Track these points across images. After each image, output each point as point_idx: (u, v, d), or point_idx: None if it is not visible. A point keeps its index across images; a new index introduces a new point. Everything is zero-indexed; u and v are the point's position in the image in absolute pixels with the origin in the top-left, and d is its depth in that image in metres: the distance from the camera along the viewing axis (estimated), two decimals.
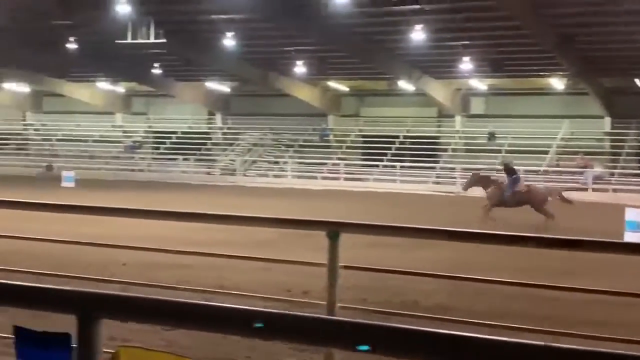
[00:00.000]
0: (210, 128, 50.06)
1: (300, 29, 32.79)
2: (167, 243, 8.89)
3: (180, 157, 45.09)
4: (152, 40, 31.58)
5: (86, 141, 49.87)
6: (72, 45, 35.54)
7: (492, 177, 22.68)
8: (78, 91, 50.29)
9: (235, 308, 1.94)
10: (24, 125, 54.45)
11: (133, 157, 47.15)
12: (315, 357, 6.26)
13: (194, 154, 45.33)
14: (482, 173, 24.56)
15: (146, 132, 50.65)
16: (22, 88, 51.39)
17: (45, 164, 42.67)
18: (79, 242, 6.69)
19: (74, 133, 51.27)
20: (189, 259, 10.45)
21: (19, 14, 30.82)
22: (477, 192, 22.67)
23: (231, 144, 46.53)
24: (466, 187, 23.16)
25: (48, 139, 51.42)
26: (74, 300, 2.02)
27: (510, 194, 20.57)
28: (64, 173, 35.58)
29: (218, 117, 49.60)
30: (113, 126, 51.83)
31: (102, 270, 9.07)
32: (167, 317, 2.03)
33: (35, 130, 53.50)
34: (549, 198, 20.89)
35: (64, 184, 33.39)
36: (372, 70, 38.83)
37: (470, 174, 24.76)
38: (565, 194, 21.58)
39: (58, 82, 49.25)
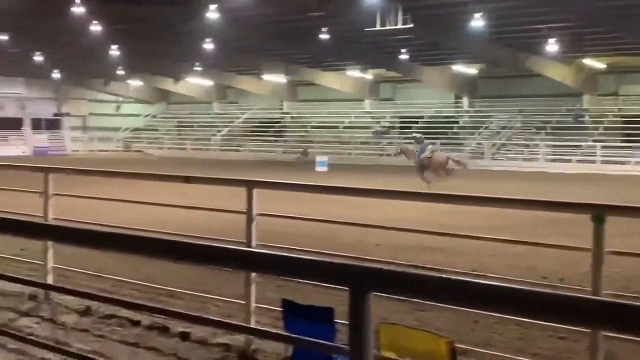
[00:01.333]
0: (457, 112, 49.67)
1: (553, 5, 31.23)
2: (416, 226, 8.93)
3: (427, 141, 45.11)
4: (399, 26, 31.92)
5: (337, 127, 51.89)
6: (324, 36, 37.04)
7: (409, 148, 29.04)
8: (330, 79, 52.41)
9: (509, 287, 1.86)
10: (281, 113, 57.92)
11: (381, 142, 48.18)
12: (575, 346, 5.95)
13: (441, 138, 45.24)
14: (402, 145, 31.53)
15: (393, 117, 51.48)
16: (279, 79, 54.67)
17: (300, 150, 45.06)
18: (346, 222, 6.93)
19: (326, 120, 53.61)
20: (439, 242, 10.43)
21: (277, 8, 32.74)
22: None
23: (479, 128, 45.79)
24: (394, 155, 31.40)
25: (303, 126, 54.26)
26: (347, 273, 2.06)
27: (420, 159, 26.64)
28: (318, 158, 37.28)
29: (465, 101, 49.04)
30: (362, 112, 53.37)
31: (356, 251, 9.36)
32: (436, 294, 2.00)
33: (291, 118, 56.70)
34: (450, 163, 26.85)
35: (318, 168, 34.97)
36: (633, 45, 35.97)
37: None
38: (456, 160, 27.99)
39: (312, 71, 51.71)
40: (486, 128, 45.32)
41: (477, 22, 33.37)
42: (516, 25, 35.41)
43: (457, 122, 47.78)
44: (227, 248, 2.31)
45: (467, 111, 48.69)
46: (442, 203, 7.34)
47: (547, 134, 42.25)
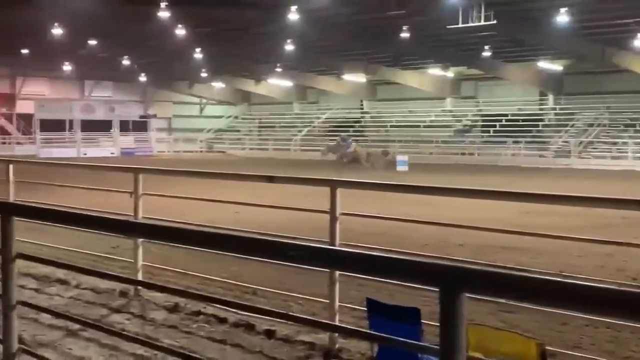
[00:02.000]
0: (541, 109, 48.55)
1: None
2: (498, 226, 8.77)
3: (510, 139, 44.41)
4: (482, 23, 31.42)
5: (418, 126, 51.51)
6: (405, 34, 36.82)
7: (338, 145, 35.88)
8: (409, 78, 52.08)
9: (608, 289, 1.80)
10: (361, 113, 57.91)
11: (463, 141, 47.57)
12: None
13: (525, 137, 44.34)
14: (329, 146, 37.91)
15: (475, 115, 50.75)
16: (358, 78, 54.66)
17: (381, 149, 44.93)
18: (430, 222, 6.87)
19: (406, 119, 53.31)
20: (522, 243, 10.23)
21: (357, 8, 32.74)
22: None
23: (565, 125, 44.63)
24: (322, 155, 37.60)
25: (383, 125, 54.11)
26: (439, 273, 2.04)
27: (347, 153, 34.15)
28: (398, 157, 37.08)
29: (550, 98, 47.88)
30: (443, 111, 52.82)
31: (439, 250, 9.27)
32: (533, 295, 1.96)
33: (371, 117, 56.62)
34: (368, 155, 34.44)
35: (399, 168, 34.77)
36: None
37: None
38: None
39: (391, 70, 51.51)
40: (572, 126, 44.14)
41: (562, 17, 32.52)
42: (603, 19, 34.32)
43: (542, 120, 46.71)
44: (317, 247, 2.33)
45: (553, 108, 47.51)
46: (530, 203, 7.19)
47: (635, 131, 40.81)
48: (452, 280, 2.02)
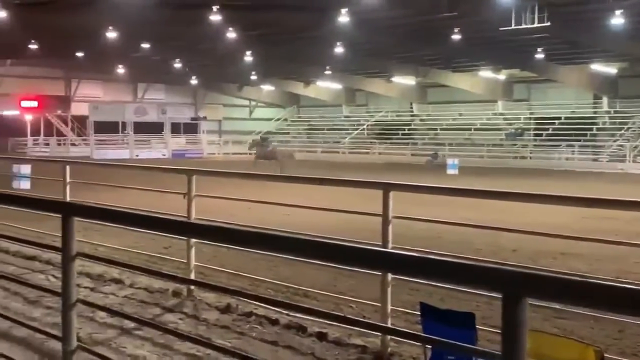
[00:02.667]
0: (595, 112, 47.61)
1: None
2: (553, 231, 8.60)
3: (564, 143, 43.67)
4: (535, 24, 30.95)
5: (468, 129, 51.03)
6: (456, 36, 36.50)
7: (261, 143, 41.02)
8: (460, 81, 51.62)
9: None
10: (411, 115, 57.61)
11: (515, 144, 46.95)
12: None
13: (579, 140, 43.55)
14: (256, 140, 43.99)
15: (527, 118, 50.05)
16: (408, 80, 54.40)
17: (431, 152, 44.65)
18: (486, 226, 6.76)
19: (456, 122, 52.85)
20: (579, 248, 10.05)
21: (407, 10, 32.57)
22: None
23: (619, 129, 43.69)
24: (249, 148, 43.82)
25: (433, 128, 53.74)
26: (501, 278, 2.00)
27: (266, 152, 37.77)
28: (449, 161, 36.81)
29: (604, 101, 46.92)
30: (494, 114, 52.22)
31: (492, 255, 9.15)
32: (599, 302, 1.90)
33: (420, 120, 56.29)
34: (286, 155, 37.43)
35: (449, 171, 34.52)
36: None
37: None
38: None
39: (442, 73, 51.13)
40: (627, 129, 43.18)
41: (618, 19, 31.84)
42: None
43: (595, 124, 45.81)
44: (377, 250, 2.31)
45: (607, 112, 46.56)
46: (588, 207, 7.04)
47: None
48: (516, 286, 1.98)
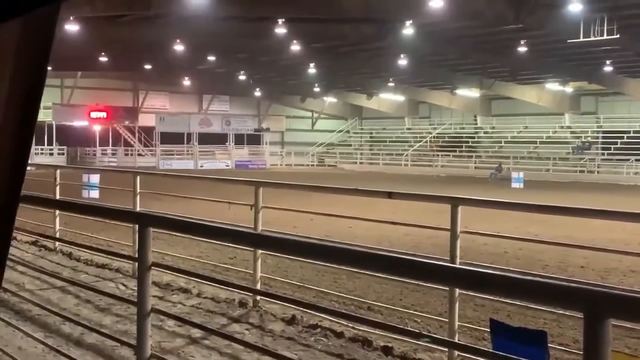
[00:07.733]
0: None
1: None
2: (623, 248, 8.37)
3: (633, 157, 42.51)
4: (604, 37, 30.27)
5: (533, 142, 50.17)
6: (522, 48, 35.99)
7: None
8: (526, 93, 50.85)
9: None
10: (475, 128, 56.98)
11: (582, 158, 45.94)
12: None
13: None
14: None
15: (595, 131, 48.92)
16: (472, 93, 53.85)
17: (495, 166, 44.06)
18: (558, 243, 6.63)
19: (521, 135, 52.02)
20: None
21: (472, 22, 32.28)
22: None
23: None
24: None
25: (497, 141, 53.01)
26: (584, 297, 1.96)
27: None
28: (513, 174, 36.24)
29: None
30: (560, 127, 51.23)
31: (560, 272, 8.97)
32: None
33: (484, 133, 55.61)
34: None
35: (514, 184, 33.98)
36: None
37: None
38: None
39: (507, 85, 50.45)
40: None
41: None
42: None
43: None
44: (457, 267, 2.29)
45: None
46: None
47: None
48: (599, 305, 1.94)
